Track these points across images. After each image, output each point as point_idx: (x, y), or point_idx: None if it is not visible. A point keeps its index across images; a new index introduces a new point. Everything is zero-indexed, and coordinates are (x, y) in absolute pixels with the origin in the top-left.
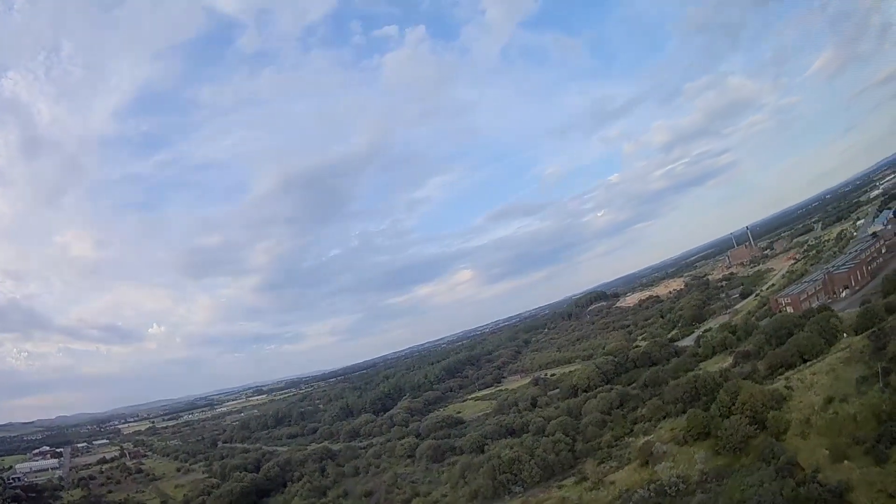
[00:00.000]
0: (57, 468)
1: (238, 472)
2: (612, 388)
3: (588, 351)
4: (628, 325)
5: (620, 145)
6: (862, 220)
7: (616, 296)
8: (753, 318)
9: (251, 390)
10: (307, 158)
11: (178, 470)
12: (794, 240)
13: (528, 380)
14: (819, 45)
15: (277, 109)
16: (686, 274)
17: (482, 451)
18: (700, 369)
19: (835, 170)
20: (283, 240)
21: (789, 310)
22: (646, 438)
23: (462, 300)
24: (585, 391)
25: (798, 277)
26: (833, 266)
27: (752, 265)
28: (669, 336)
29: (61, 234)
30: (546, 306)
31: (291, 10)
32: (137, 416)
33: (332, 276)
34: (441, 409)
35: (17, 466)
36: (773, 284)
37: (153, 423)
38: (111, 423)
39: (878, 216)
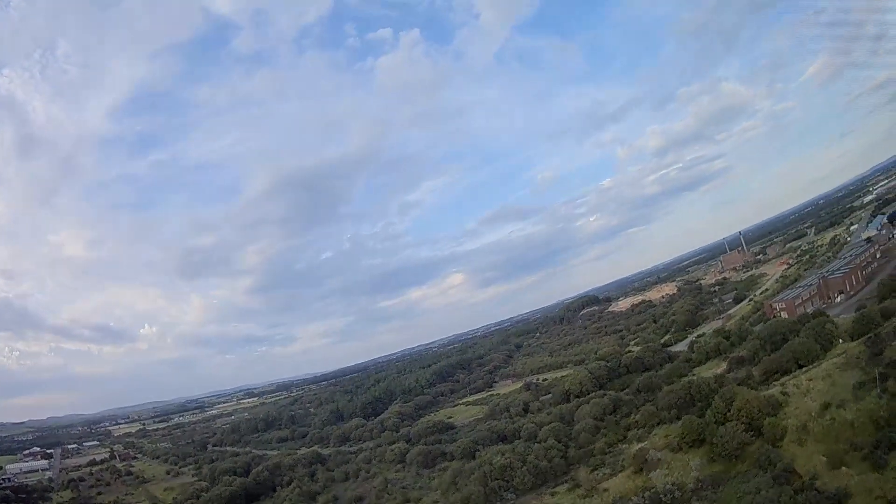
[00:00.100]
0: (47, 469)
1: (228, 476)
2: (604, 394)
3: (580, 356)
4: (621, 330)
5: (614, 150)
6: (856, 226)
7: (608, 300)
8: (747, 323)
9: (242, 392)
10: (301, 160)
11: (168, 473)
12: (787, 245)
13: (519, 385)
14: (814, 51)
15: (272, 111)
16: (679, 278)
17: (473, 457)
18: (694, 375)
19: (829, 175)
20: (276, 241)
21: (784, 315)
22: (640, 445)
23: (454, 304)
24: (578, 396)
25: (792, 282)
26: (828, 271)
27: (744, 270)
28: (662, 341)
29: (54, 233)
30: (538, 310)
31: (287, 12)
32: (128, 417)
33: (325, 278)
34: (432, 414)
35: (8, 467)
36: (766, 289)
37: (144, 424)
38: (102, 424)
39: (871, 221)
